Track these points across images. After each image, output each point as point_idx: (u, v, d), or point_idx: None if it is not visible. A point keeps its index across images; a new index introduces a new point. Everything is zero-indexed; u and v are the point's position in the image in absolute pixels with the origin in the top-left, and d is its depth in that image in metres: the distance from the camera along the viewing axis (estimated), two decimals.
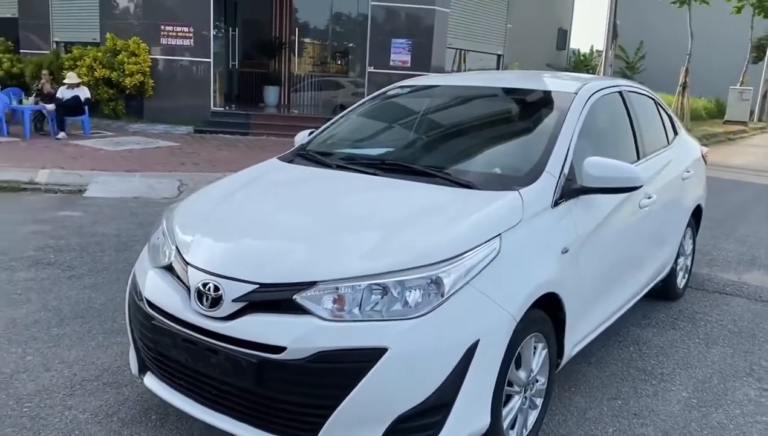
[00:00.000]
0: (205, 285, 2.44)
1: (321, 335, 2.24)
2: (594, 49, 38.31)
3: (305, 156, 3.59)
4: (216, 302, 2.40)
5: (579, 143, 3.17)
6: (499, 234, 2.54)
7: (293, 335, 2.25)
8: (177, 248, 2.70)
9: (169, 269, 2.70)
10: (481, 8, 16.67)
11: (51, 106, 11.91)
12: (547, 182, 2.89)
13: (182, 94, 14.10)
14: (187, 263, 2.57)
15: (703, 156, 5.13)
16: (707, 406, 3.32)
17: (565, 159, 3.01)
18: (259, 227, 2.75)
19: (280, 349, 2.25)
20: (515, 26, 25.41)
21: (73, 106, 11.95)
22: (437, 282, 2.33)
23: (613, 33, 16.73)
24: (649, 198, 3.72)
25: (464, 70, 16.56)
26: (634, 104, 3.99)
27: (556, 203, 2.88)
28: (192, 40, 13.96)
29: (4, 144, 10.87)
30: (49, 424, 2.91)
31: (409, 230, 2.54)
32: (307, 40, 16.77)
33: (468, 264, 2.39)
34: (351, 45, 15.31)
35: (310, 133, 3.92)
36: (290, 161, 3.56)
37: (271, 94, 16.50)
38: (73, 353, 3.62)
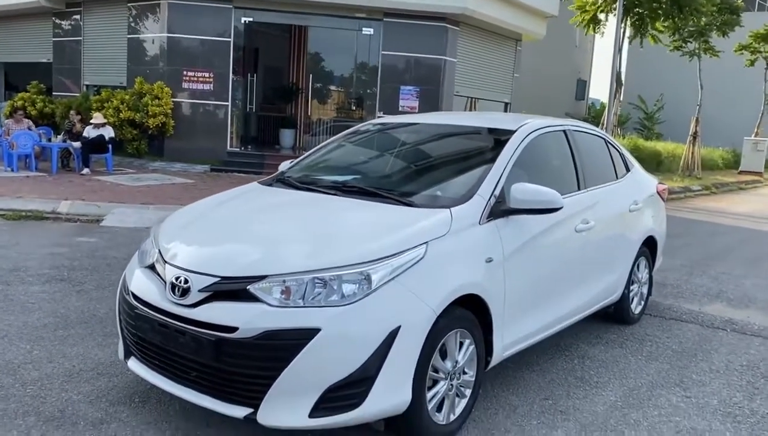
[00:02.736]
0: (177, 278, 2.95)
1: (267, 317, 2.73)
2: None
3: (282, 180, 4.14)
4: (185, 292, 2.91)
5: (514, 172, 3.67)
6: (426, 242, 3.03)
7: (244, 318, 2.74)
8: (159, 250, 3.23)
9: (152, 267, 3.23)
10: (489, 59, 17.40)
11: (77, 144, 12.72)
12: (477, 203, 3.38)
13: (201, 135, 14.91)
14: (166, 262, 3.10)
15: (659, 192, 5.55)
16: (629, 408, 3.70)
17: (496, 185, 3.50)
18: (226, 233, 3.29)
19: (233, 329, 2.74)
20: (534, 76, 26.19)
21: (98, 145, 12.74)
22: (368, 277, 2.81)
23: (617, 83, 17.32)
24: (587, 223, 4.18)
25: None
26: (578, 142, 4.48)
27: (486, 220, 3.37)
28: (212, 85, 14.81)
29: (32, 178, 11.64)
30: (47, 402, 3.40)
31: (349, 236, 3.07)
32: (321, 86, 17.60)
33: (395, 264, 2.88)
34: (362, 91, 16.07)
35: (291, 162, 4.48)
36: (269, 185, 4.12)
37: (286, 136, 17.27)
38: (75, 350, 4.13)
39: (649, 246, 5.33)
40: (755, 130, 28.67)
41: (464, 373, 3.25)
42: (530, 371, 4.13)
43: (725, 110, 34.91)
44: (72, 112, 13.63)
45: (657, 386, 4.05)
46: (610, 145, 5.05)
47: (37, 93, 16.53)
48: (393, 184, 3.86)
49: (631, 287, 5.12)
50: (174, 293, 2.94)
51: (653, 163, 22.41)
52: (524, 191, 3.43)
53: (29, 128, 13.40)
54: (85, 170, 12.51)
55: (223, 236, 3.28)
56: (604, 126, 17.05)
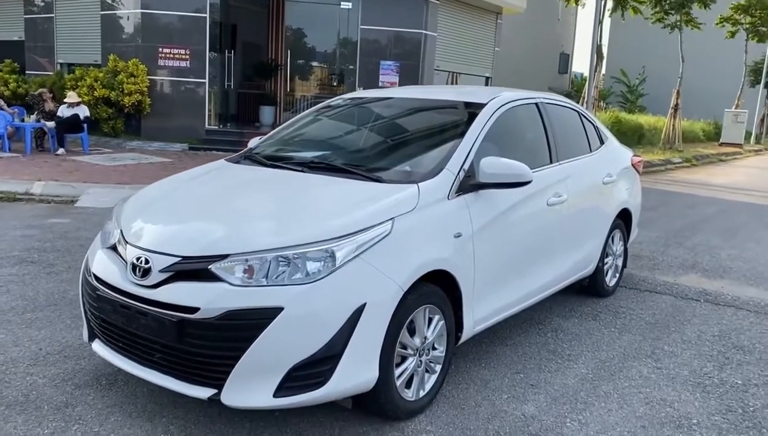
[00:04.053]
0: (138, 259, 2.89)
1: (229, 297, 2.67)
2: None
3: (250, 157, 4.06)
4: (146, 272, 2.84)
5: (484, 146, 3.62)
6: (392, 218, 2.98)
7: (206, 298, 2.69)
8: (121, 231, 3.16)
9: (114, 248, 3.16)
10: (469, 33, 17.26)
11: (51, 124, 12.48)
12: (446, 178, 3.33)
13: (178, 114, 14.69)
14: (127, 242, 3.03)
15: (633, 165, 5.53)
16: (600, 380, 3.71)
17: (465, 159, 3.45)
18: (188, 212, 3.22)
19: (195, 309, 2.68)
20: (516, 50, 26.02)
21: (73, 124, 12.50)
22: (332, 255, 2.76)
23: (598, 56, 17.26)
24: (559, 197, 4.15)
25: None
26: (550, 114, 4.43)
27: (455, 195, 3.32)
28: (188, 62, 14.55)
29: (6, 159, 11.41)
30: (11, 385, 3.34)
31: (314, 213, 3.01)
32: (301, 62, 17.36)
33: (360, 240, 2.83)
34: (342, 67, 15.89)
35: (260, 139, 4.40)
36: (237, 162, 4.04)
37: (266, 113, 17.07)
38: (42, 333, 4.06)
39: (623, 219, 5.33)
40: (736, 102, 28.82)
41: (434, 349, 3.23)
42: (503, 345, 4.13)
43: (706, 82, 35.03)
44: (42, 89, 13.31)
45: (629, 357, 4.06)
46: (583, 118, 5.01)
47: (10, 72, 16.18)
48: (361, 160, 3.80)
49: (606, 260, 5.13)
50: (135, 274, 2.88)
51: (635, 137, 22.45)
52: (493, 165, 3.39)
53: (1, 108, 13.12)
54: (61, 150, 12.29)
55: (185, 215, 3.21)
56: (585, 99, 17.00)
